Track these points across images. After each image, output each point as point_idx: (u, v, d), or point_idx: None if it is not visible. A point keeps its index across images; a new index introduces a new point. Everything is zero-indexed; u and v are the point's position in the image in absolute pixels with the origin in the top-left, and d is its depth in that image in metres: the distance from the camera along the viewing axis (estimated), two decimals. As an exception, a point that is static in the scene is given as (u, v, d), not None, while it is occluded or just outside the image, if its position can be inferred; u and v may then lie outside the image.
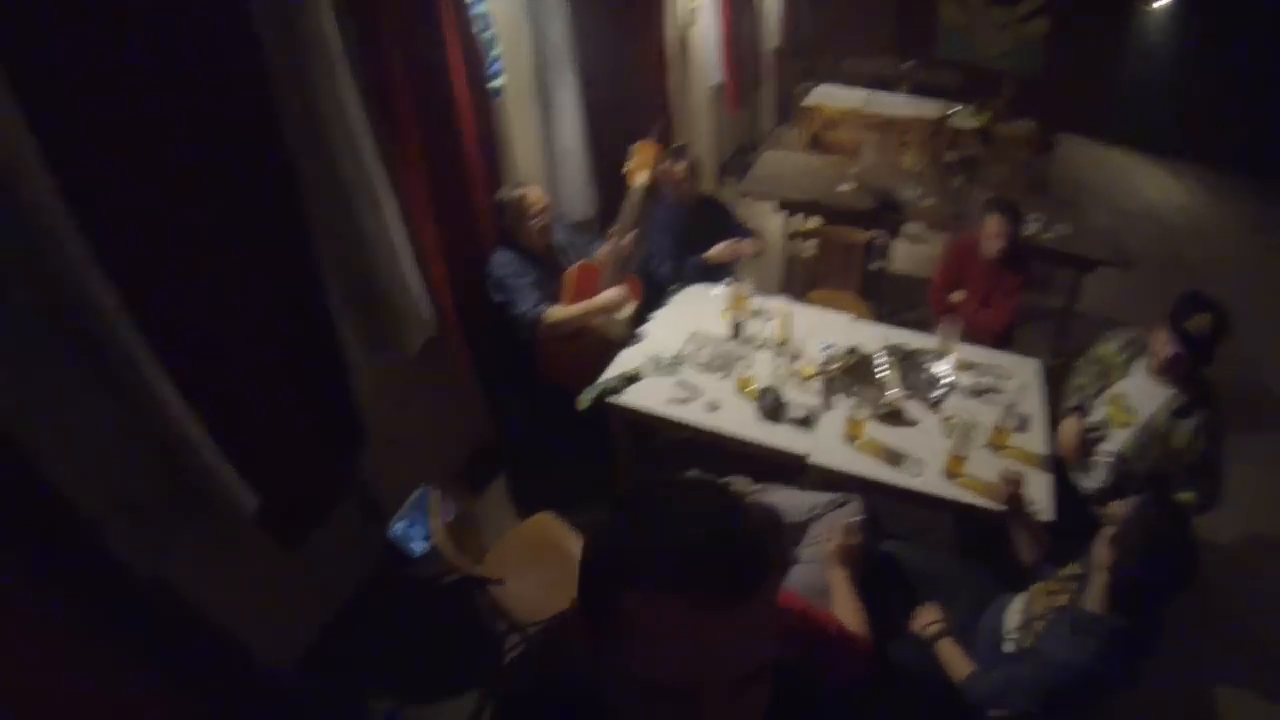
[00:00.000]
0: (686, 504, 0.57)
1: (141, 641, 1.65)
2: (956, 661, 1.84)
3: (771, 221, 4.40)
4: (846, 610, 1.78)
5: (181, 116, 1.50)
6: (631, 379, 2.51)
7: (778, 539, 1.93)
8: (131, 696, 1.66)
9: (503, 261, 2.59)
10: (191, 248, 1.58)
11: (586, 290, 2.66)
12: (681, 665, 0.54)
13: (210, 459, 1.64)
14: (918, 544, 2.27)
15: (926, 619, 1.94)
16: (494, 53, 2.61)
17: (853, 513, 2.07)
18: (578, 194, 3.15)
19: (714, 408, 2.42)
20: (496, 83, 2.65)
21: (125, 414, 1.48)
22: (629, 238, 2.69)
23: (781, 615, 1.50)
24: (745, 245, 3.12)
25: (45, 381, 1.39)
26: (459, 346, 2.59)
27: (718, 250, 3.08)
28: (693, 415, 2.40)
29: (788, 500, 2.12)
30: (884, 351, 2.64)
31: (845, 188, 4.12)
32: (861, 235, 3.53)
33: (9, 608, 1.38)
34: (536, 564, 2.23)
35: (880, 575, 2.09)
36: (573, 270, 2.67)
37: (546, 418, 2.78)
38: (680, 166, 3.04)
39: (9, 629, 1.39)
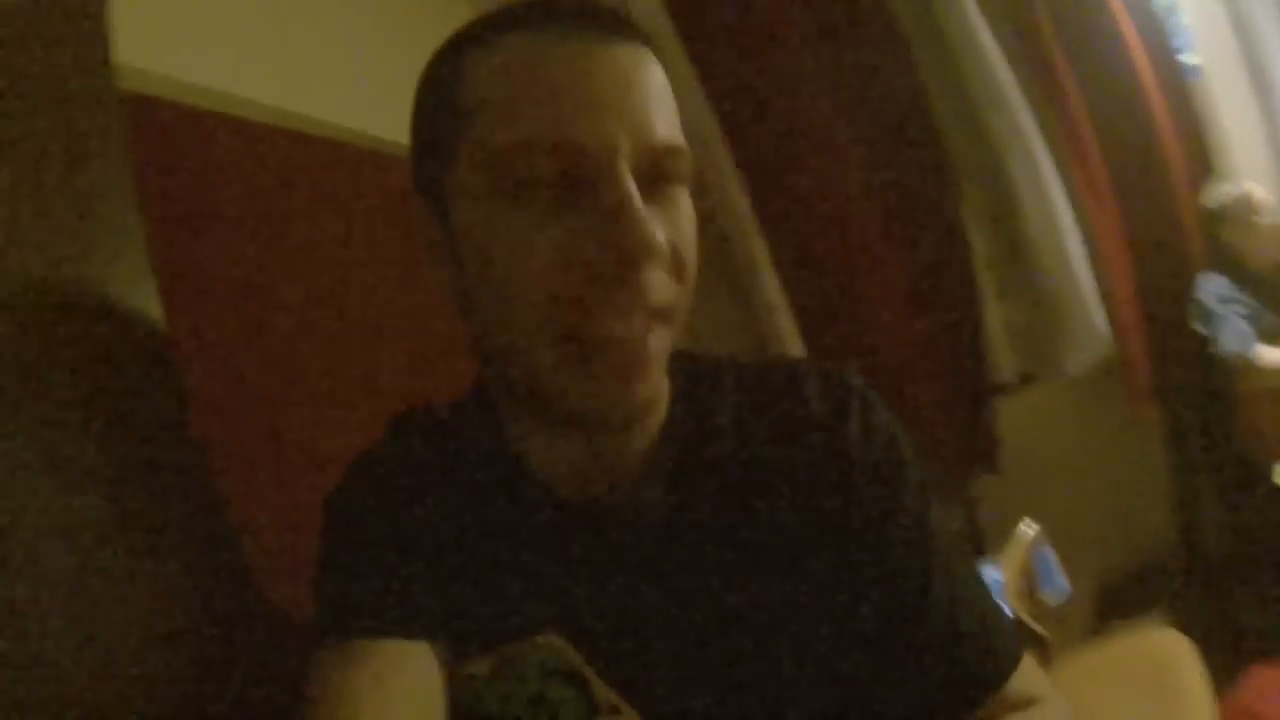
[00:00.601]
0: None
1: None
2: None
3: None
4: None
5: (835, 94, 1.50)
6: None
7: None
8: None
9: (1213, 284, 2.01)
10: (843, 223, 1.53)
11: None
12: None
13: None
14: None
15: None
16: (1178, 21, 2.12)
17: None
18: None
19: None
20: (1189, 57, 2.12)
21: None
22: None
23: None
24: None
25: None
26: (1140, 383, 2.00)
27: None
28: None
29: None
30: None
31: None
32: None
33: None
34: (1118, 685, 1.37)
35: None
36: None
37: (1244, 505, 2.07)
38: None
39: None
